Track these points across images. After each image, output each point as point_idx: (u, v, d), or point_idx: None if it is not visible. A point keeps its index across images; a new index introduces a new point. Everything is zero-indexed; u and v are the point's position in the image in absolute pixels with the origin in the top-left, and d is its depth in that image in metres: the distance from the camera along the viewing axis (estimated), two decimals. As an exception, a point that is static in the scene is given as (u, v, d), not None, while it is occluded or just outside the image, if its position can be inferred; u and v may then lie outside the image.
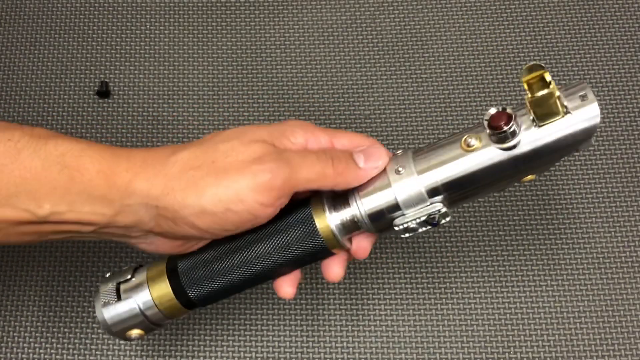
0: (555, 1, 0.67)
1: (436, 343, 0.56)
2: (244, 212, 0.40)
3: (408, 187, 0.41)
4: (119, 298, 0.46)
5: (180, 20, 0.67)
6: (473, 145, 0.40)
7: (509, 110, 0.38)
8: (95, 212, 0.41)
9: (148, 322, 0.46)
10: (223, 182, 0.40)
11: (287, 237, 0.44)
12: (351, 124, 0.63)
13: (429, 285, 0.58)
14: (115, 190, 0.41)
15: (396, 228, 0.42)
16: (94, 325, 0.57)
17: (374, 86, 0.64)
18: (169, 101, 0.64)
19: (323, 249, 0.44)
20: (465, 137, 0.40)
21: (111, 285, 0.47)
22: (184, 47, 0.66)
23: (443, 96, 0.64)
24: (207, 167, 0.41)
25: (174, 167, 0.41)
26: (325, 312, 0.58)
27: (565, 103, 0.38)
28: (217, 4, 0.68)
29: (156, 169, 0.41)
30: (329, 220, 0.43)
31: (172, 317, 0.47)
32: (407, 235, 0.42)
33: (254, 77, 0.65)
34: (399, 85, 0.64)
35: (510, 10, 0.67)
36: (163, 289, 0.46)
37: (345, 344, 0.57)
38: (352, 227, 0.44)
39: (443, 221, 0.41)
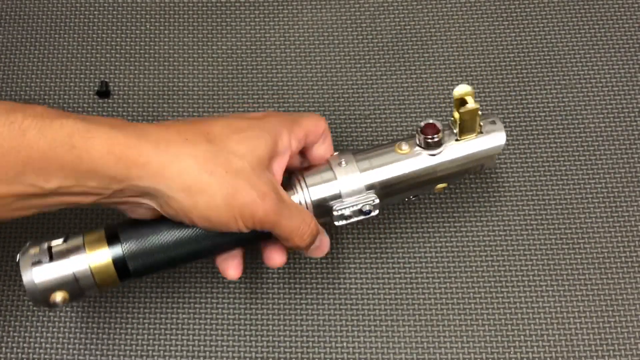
0: (555, 1, 0.67)
1: (436, 343, 0.56)
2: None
3: (351, 180, 0.49)
4: (51, 259, 0.44)
5: (180, 20, 0.67)
6: (405, 149, 0.50)
7: (438, 125, 0.49)
8: (103, 186, 0.42)
9: (78, 287, 0.45)
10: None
11: None
12: (351, 124, 0.63)
13: (429, 285, 0.58)
14: (124, 170, 0.42)
15: (335, 213, 0.49)
16: (94, 325, 0.57)
17: (374, 86, 0.64)
18: (169, 101, 0.64)
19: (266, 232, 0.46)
20: (399, 142, 0.50)
21: (44, 247, 0.45)
22: (184, 47, 0.66)
23: (443, 96, 0.64)
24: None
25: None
26: (325, 312, 0.58)
27: (481, 123, 0.50)
28: (217, 4, 0.68)
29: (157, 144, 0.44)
30: None
31: (101, 287, 0.46)
32: (341, 223, 0.49)
33: (253, 77, 0.65)
34: (399, 85, 0.64)
35: (510, 10, 0.67)
36: (101, 256, 0.45)
37: (345, 343, 0.57)
38: None
39: (373, 213, 0.49)
